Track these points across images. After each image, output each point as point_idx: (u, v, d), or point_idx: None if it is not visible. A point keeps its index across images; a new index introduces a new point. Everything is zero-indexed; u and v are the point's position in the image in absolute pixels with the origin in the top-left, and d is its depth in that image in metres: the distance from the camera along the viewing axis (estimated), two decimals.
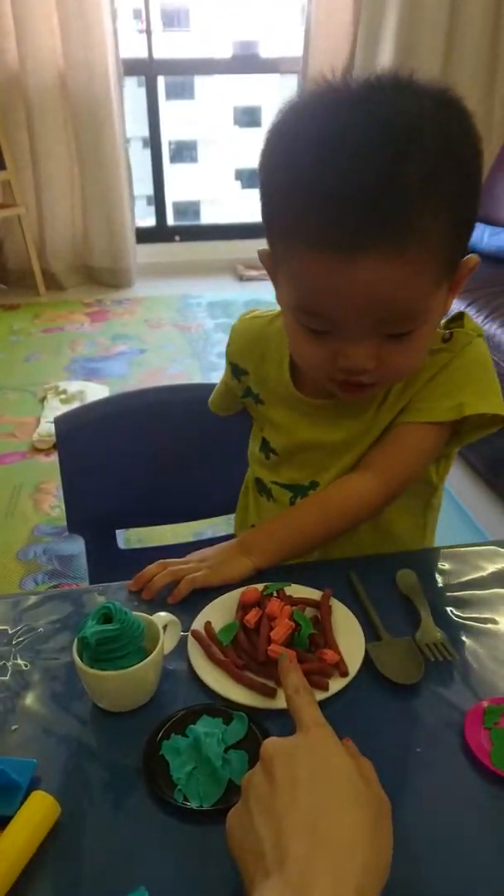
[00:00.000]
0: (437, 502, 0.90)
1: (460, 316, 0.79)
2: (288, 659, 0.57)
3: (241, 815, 0.46)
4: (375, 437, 0.80)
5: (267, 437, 0.89)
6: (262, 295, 3.73)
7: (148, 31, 3.71)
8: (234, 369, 0.91)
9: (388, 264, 0.59)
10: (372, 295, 0.61)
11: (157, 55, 3.75)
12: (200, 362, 3.05)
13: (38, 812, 0.52)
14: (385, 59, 3.37)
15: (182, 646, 0.68)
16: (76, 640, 0.61)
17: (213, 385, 1.00)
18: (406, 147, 0.57)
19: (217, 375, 0.98)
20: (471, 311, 2.19)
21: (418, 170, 0.57)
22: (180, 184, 8.18)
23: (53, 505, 2.09)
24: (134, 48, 3.65)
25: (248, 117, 9.28)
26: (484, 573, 0.79)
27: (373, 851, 0.43)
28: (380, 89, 0.60)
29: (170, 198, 4.19)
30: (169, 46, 5.02)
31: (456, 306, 0.80)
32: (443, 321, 0.78)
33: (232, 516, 1.06)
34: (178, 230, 4.22)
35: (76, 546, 1.86)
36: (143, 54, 3.71)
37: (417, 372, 0.75)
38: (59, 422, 1.06)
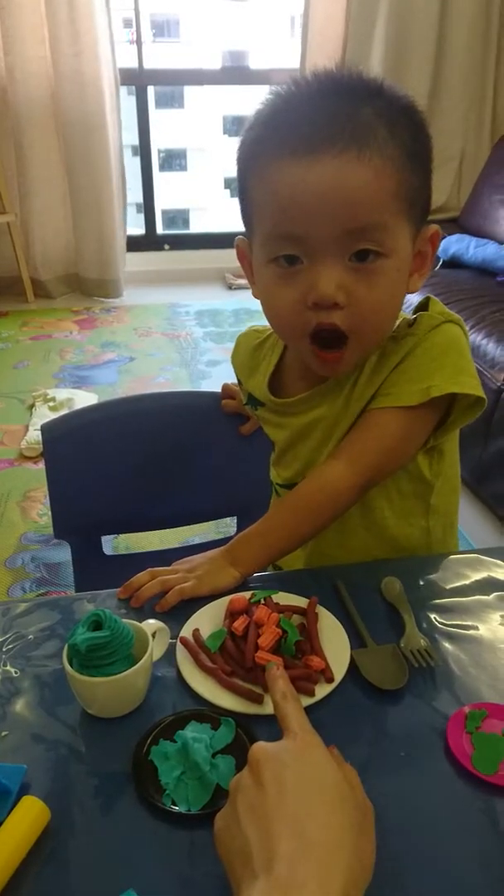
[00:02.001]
0: (439, 503, 0.88)
1: (427, 302, 0.80)
2: (276, 666, 0.59)
3: (229, 817, 0.47)
4: (352, 420, 0.80)
5: (269, 435, 0.93)
6: (251, 303, 3.73)
7: (138, 42, 3.73)
8: (237, 378, 0.97)
9: (349, 163, 0.64)
10: (335, 194, 0.64)
11: (147, 65, 3.78)
12: (189, 370, 3.06)
13: (27, 816, 0.53)
14: (374, 73, 3.41)
15: (171, 653, 0.69)
16: (66, 647, 0.62)
17: (200, 392, 1.03)
18: (364, 94, 0.66)
19: (206, 384, 1.02)
20: None
21: (374, 109, 0.65)
22: (170, 192, 8.21)
23: (41, 512, 2.09)
24: (124, 58, 3.67)
25: (237, 126, 9.32)
26: (467, 581, 0.81)
27: (357, 853, 0.44)
28: (342, 76, 0.68)
29: (159, 206, 4.21)
30: (159, 56, 5.05)
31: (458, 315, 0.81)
32: (412, 310, 0.80)
33: (219, 522, 1.07)
34: (167, 239, 4.23)
35: (64, 554, 1.87)
36: (134, 64, 3.74)
37: (388, 330, 0.76)
38: (45, 429, 1.07)
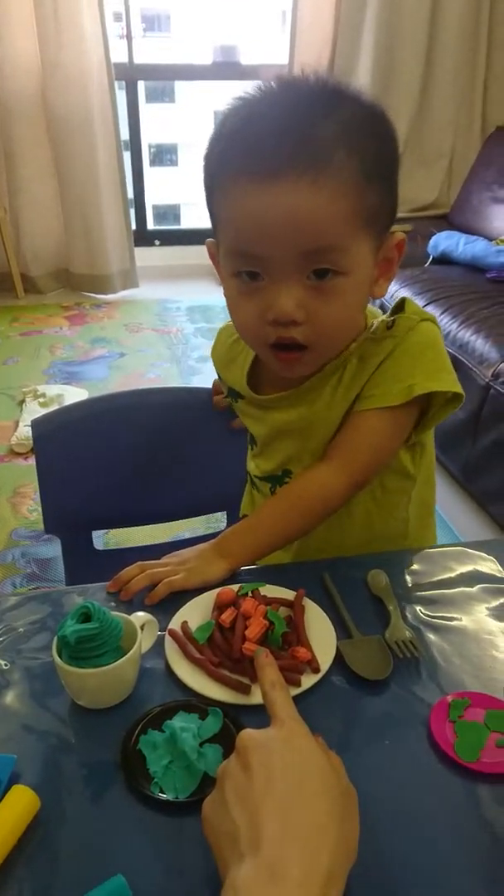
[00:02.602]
0: (417, 494, 0.91)
1: (402, 303, 0.82)
2: (265, 654, 0.60)
3: (216, 802, 0.48)
4: (335, 421, 0.82)
5: (248, 428, 0.95)
6: None
7: (128, 37, 3.72)
8: (216, 370, 0.98)
9: (303, 189, 0.64)
10: (291, 219, 0.65)
11: (137, 60, 3.77)
12: (180, 366, 3.06)
13: (18, 805, 0.53)
14: (364, 70, 3.41)
15: (159, 645, 0.70)
16: (56, 639, 0.63)
17: (191, 388, 1.04)
18: (325, 112, 0.66)
19: (197, 379, 1.03)
20: (445, 319, 2.23)
21: (334, 125, 0.65)
22: (160, 188, 8.19)
23: (32, 508, 2.09)
24: (114, 52, 3.66)
25: None
26: (452, 574, 0.82)
27: (342, 836, 0.45)
28: (306, 83, 0.68)
29: (150, 202, 4.20)
30: (150, 51, 5.03)
31: (431, 313, 0.83)
32: (387, 312, 0.82)
33: (209, 517, 1.08)
34: (157, 234, 4.23)
35: (54, 549, 1.87)
36: (124, 59, 3.72)
37: (346, 340, 0.78)
38: (35, 424, 1.07)
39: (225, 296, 0.77)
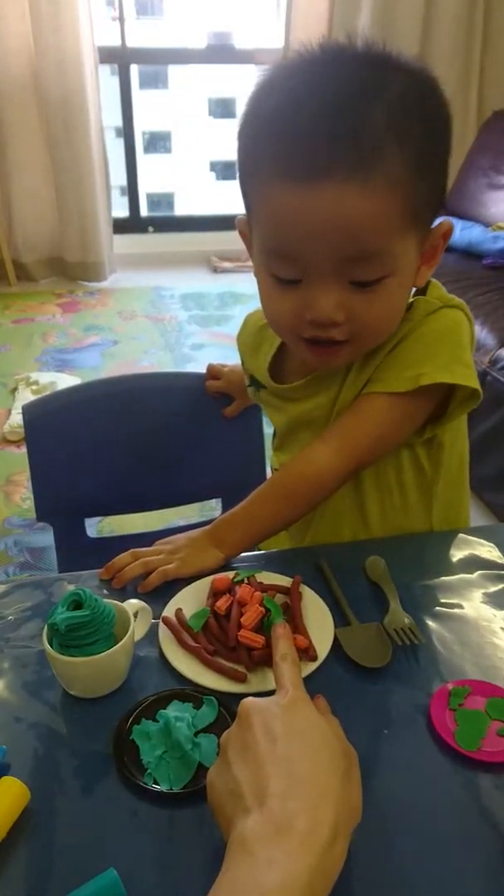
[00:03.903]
0: (441, 497, 0.87)
1: (427, 286, 0.78)
2: (282, 626, 0.59)
3: (220, 767, 0.48)
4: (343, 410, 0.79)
5: (270, 419, 0.92)
6: (236, 287, 3.73)
7: (121, 19, 3.66)
8: (241, 358, 0.95)
9: (352, 192, 0.59)
10: (336, 224, 0.61)
11: (130, 43, 3.71)
12: (173, 354, 3.03)
13: (7, 797, 0.52)
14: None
15: (153, 632, 0.68)
16: (46, 627, 0.61)
17: (185, 373, 1.01)
18: (374, 89, 0.60)
19: (190, 367, 1.01)
20: None
21: (383, 110, 0.59)
22: (154, 174, 8.12)
23: (24, 497, 2.07)
24: (107, 36, 3.60)
25: (222, 108, 9.24)
26: (451, 560, 0.81)
27: (345, 794, 0.45)
28: (352, 52, 0.63)
29: (143, 189, 4.16)
30: (142, 34, 4.97)
31: (460, 300, 0.79)
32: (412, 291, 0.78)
33: (203, 504, 1.06)
34: (151, 221, 4.18)
35: (47, 538, 1.85)
36: (116, 42, 3.67)
37: (389, 333, 0.74)
38: (27, 409, 1.05)
39: (257, 281, 0.73)
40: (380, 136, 0.59)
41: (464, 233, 2.76)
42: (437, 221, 0.70)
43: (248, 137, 0.66)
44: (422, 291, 0.77)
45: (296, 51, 0.63)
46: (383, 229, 0.62)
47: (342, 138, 0.58)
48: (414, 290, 0.77)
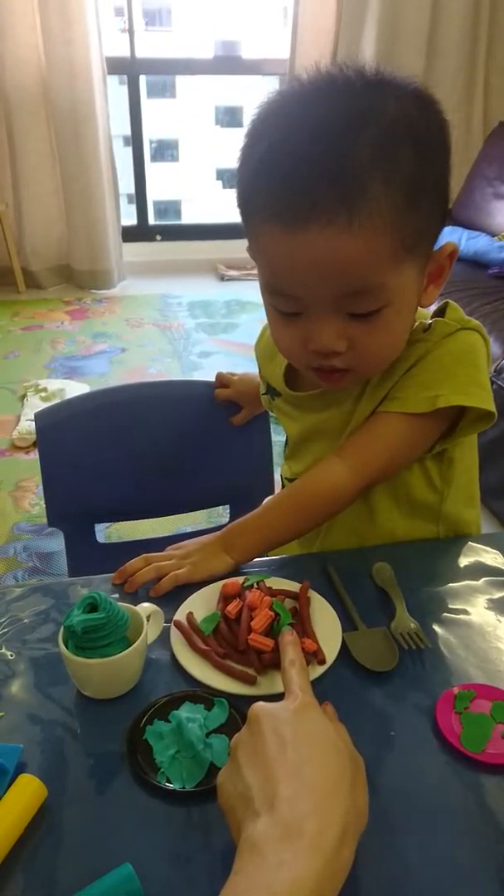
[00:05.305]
0: (450, 513, 0.88)
1: (445, 307, 0.79)
2: (290, 633, 0.60)
3: (231, 770, 0.49)
4: (363, 422, 0.80)
5: (283, 428, 0.94)
6: (243, 295, 3.75)
7: (130, 30, 3.71)
8: (258, 365, 0.96)
9: (337, 234, 0.60)
10: (325, 267, 0.62)
11: (139, 54, 3.76)
12: (181, 362, 3.06)
13: (24, 794, 0.53)
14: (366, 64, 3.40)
15: (165, 636, 0.70)
16: (62, 629, 0.63)
17: (194, 381, 1.03)
18: (362, 120, 0.60)
19: (197, 375, 1.02)
20: None
21: (370, 141, 0.59)
22: (161, 183, 8.16)
23: (34, 502, 2.09)
24: (116, 47, 3.65)
25: (229, 117, 9.28)
26: (457, 567, 0.82)
27: (353, 799, 0.46)
28: (344, 81, 0.63)
29: (151, 197, 4.19)
30: (151, 45, 5.01)
31: (477, 322, 0.80)
32: (431, 311, 0.79)
33: (211, 511, 1.08)
34: (159, 229, 4.22)
35: (56, 543, 1.87)
36: (126, 53, 3.72)
37: (394, 357, 0.75)
38: (39, 416, 1.07)
39: (266, 311, 0.75)
40: (363, 174, 0.59)
41: (469, 243, 2.78)
42: (443, 235, 0.71)
43: (243, 179, 0.66)
44: (440, 313, 0.78)
45: (294, 78, 0.64)
46: (374, 267, 0.63)
47: (324, 180, 0.59)
48: (432, 309, 0.78)
